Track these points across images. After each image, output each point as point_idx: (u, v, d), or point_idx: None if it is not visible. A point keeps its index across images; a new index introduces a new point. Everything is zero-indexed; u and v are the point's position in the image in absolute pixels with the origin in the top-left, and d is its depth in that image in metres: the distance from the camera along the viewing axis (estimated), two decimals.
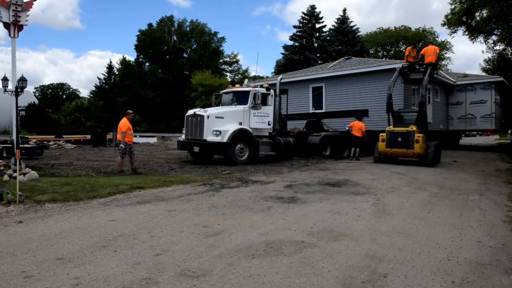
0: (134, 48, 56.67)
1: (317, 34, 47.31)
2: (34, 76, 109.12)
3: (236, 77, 59.16)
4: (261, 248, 4.30)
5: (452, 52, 67.01)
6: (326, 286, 3.34)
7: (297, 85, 22.11)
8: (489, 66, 32.05)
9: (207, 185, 8.79)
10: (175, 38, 56.59)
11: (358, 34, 48.80)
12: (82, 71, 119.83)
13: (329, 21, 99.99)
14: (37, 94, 66.29)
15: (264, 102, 14.04)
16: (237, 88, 15.20)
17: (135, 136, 35.02)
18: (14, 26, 12.40)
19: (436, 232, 5.05)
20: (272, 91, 14.66)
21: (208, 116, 12.85)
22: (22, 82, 11.97)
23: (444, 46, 50.82)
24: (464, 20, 22.07)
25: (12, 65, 12.59)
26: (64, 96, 72.41)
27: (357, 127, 15.40)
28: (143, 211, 6.09)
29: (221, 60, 60.69)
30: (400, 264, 3.87)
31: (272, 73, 54.07)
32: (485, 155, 18.85)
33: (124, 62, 53.74)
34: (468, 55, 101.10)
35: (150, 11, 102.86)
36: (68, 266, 3.72)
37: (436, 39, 51.46)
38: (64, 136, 28.57)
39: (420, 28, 52.76)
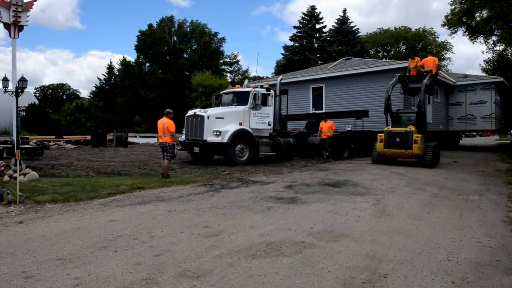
0: (134, 49, 56.86)
1: (317, 35, 47.36)
2: (34, 76, 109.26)
3: (236, 77, 59.26)
4: (261, 249, 4.30)
5: (452, 52, 66.91)
6: (326, 287, 3.34)
7: (297, 85, 22.11)
8: (489, 67, 32.06)
9: (207, 185, 8.79)
10: (175, 39, 56.66)
11: (358, 34, 48.82)
12: (82, 71, 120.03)
13: (329, 22, 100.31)
14: (37, 94, 66.35)
15: (264, 103, 14.04)
16: (237, 88, 15.21)
17: (135, 136, 35.16)
18: (15, 27, 12.43)
19: (436, 233, 5.05)
20: (272, 92, 14.66)
21: (208, 117, 12.85)
22: (22, 83, 11.99)
23: (444, 47, 50.86)
24: (464, 20, 22.07)
25: (12, 66, 12.63)
26: (65, 97, 72.47)
27: (326, 127, 15.18)
28: (143, 212, 6.10)
29: (221, 61, 60.79)
30: (400, 264, 3.87)
31: (272, 73, 54.18)
32: (485, 156, 18.85)
33: (124, 62, 53.84)
34: (468, 55, 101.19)
35: (149, 11, 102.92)
36: (69, 267, 3.73)
37: (436, 39, 51.54)
38: (64, 136, 28.61)
39: (420, 29, 52.76)
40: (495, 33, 22.83)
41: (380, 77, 19.04)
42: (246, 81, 20.26)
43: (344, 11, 55.20)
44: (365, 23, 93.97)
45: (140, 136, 35.51)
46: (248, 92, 13.96)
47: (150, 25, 56.43)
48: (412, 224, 5.48)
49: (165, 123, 9.83)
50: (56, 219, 5.63)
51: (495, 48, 27.62)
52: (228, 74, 60.41)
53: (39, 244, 4.43)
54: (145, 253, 4.12)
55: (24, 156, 12.93)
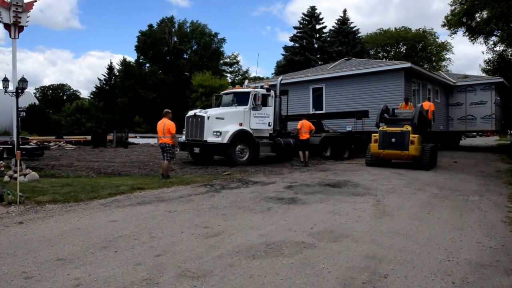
0: (135, 49, 56.96)
1: (317, 35, 47.35)
2: (34, 76, 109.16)
3: (237, 78, 59.29)
4: (261, 249, 4.30)
5: (452, 53, 66.63)
6: (326, 287, 3.34)
7: (297, 86, 22.11)
8: (489, 67, 32.05)
9: (207, 186, 8.79)
10: (175, 39, 56.71)
11: (358, 35, 48.79)
12: (82, 71, 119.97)
13: (329, 22, 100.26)
14: (37, 95, 66.37)
15: (265, 103, 14.04)
16: (238, 89, 15.20)
17: (135, 137, 35.16)
18: (15, 27, 12.45)
19: (436, 233, 5.05)
20: (272, 92, 14.66)
21: (208, 117, 12.86)
22: (22, 83, 12.01)
23: (444, 47, 50.77)
24: (464, 21, 22.04)
25: (12, 66, 12.64)
26: (65, 97, 72.52)
27: (306, 127, 13.65)
28: (144, 212, 6.10)
29: (221, 61, 60.84)
30: (400, 264, 3.88)
31: (272, 74, 54.12)
32: (485, 156, 18.84)
33: (124, 63, 53.92)
34: (468, 56, 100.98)
35: (149, 12, 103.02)
36: (69, 267, 3.73)
37: (437, 40, 51.47)
38: (64, 137, 28.58)
39: (420, 29, 52.70)
40: (495, 33, 22.81)
41: (380, 77, 19.05)
42: (246, 82, 20.23)
43: (344, 11, 55.03)
44: (365, 23, 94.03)
45: (140, 137, 35.49)
46: (248, 93, 13.96)
47: (150, 26, 56.57)
48: (412, 224, 5.48)
49: (165, 124, 9.80)
50: (56, 219, 5.64)
51: (495, 49, 27.61)
52: (228, 75, 60.52)
53: (39, 245, 4.43)
54: (145, 254, 4.12)
55: (24, 157, 12.94)
